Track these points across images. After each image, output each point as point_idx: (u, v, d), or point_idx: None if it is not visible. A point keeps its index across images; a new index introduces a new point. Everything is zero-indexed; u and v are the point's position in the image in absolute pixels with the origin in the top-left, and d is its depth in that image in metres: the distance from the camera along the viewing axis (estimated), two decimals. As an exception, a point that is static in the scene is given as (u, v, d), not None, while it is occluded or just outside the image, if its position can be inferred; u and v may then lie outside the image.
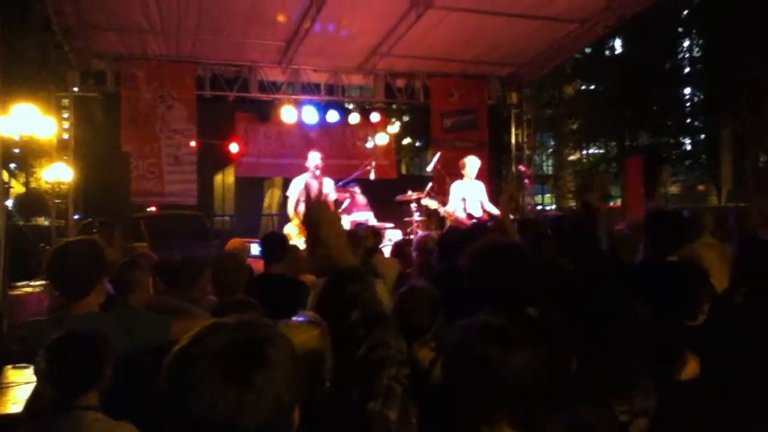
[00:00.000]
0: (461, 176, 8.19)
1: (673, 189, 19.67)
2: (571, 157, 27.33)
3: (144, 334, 2.59)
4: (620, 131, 23.41)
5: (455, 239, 4.42)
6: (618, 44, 24.17)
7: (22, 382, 3.49)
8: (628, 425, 1.78)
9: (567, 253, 3.49)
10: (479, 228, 5.21)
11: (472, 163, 8.14)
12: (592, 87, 24.51)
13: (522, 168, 10.71)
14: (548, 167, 29.51)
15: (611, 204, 19.88)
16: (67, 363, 2.25)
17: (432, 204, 8.02)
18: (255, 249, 6.60)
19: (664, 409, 1.88)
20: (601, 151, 26.44)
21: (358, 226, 7.26)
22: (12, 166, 9.80)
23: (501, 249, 2.51)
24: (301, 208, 8.10)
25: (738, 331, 2.70)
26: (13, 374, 3.66)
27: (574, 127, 24.85)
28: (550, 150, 28.72)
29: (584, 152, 27.28)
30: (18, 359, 3.59)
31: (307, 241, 5.69)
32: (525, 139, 11.96)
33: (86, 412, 2.21)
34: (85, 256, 2.62)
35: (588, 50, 21.12)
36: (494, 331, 1.69)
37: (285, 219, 8.72)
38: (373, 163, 9.22)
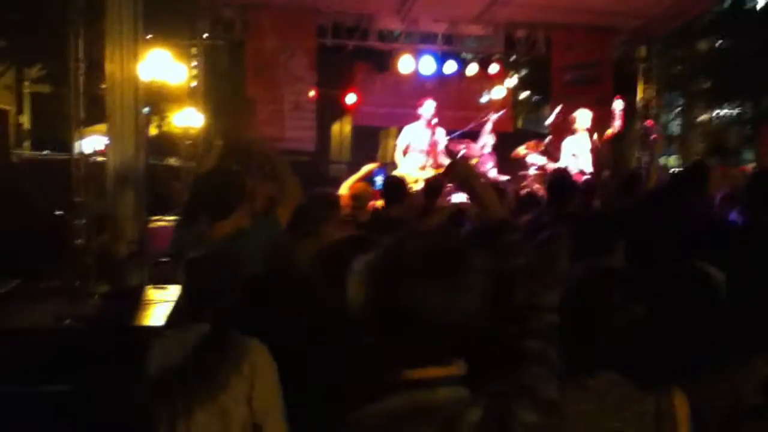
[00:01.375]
0: (573, 131, 7.98)
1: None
2: (701, 118, 25.73)
3: (263, 233, 2.88)
4: (757, 92, 21.72)
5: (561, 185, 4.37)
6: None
7: (161, 300, 3.83)
8: None
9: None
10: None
11: (583, 117, 7.91)
12: (728, 44, 22.77)
13: (648, 123, 10.19)
14: (675, 128, 27.93)
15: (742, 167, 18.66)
16: (197, 282, 2.47)
17: (539, 160, 7.90)
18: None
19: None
20: (735, 111, 24.67)
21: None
22: (146, 110, 10.43)
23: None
24: (410, 156, 8.15)
25: None
26: (153, 293, 4.03)
27: (706, 86, 23.29)
28: (678, 109, 27.13)
29: (715, 113, 25.57)
30: (158, 280, 3.96)
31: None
32: (652, 97, 11.38)
33: (215, 325, 2.42)
34: (224, 183, 2.84)
35: (726, 5, 19.66)
36: (613, 278, 1.69)
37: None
38: (494, 116, 9.07)
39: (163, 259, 5.49)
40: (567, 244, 2.68)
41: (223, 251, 2.58)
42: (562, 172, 5.61)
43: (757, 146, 16.70)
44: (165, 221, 7.42)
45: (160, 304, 3.76)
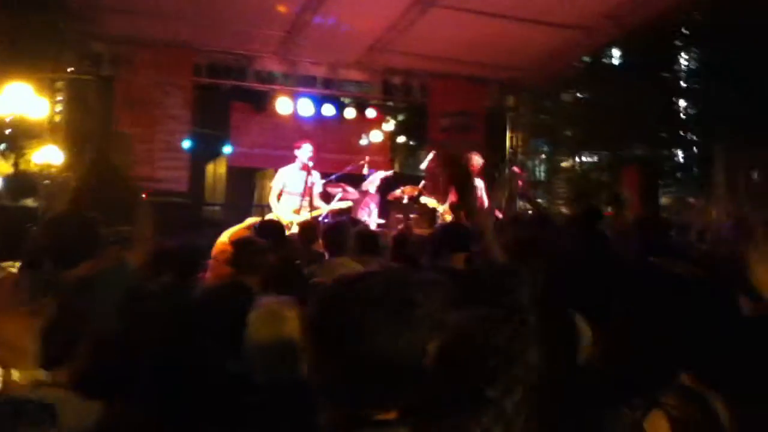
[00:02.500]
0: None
1: (664, 200, 19.68)
2: (564, 164, 27.38)
3: (114, 280, 2.61)
4: (614, 140, 23.44)
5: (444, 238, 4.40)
6: (617, 54, 24.23)
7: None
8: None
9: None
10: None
11: (476, 160, 8.18)
12: (589, 96, 24.53)
13: (516, 169, 10.69)
14: (540, 173, 29.54)
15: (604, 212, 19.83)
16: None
17: (431, 202, 8.00)
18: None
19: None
20: (594, 159, 26.50)
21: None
22: (1, 146, 9.63)
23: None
24: (285, 199, 8.02)
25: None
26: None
27: (569, 134, 24.88)
28: (543, 156, 28.76)
29: (577, 160, 27.32)
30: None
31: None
32: (519, 143, 11.96)
33: (51, 389, 2.12)
34: (77, 230, 2.60)
35: (587, 59, 21.13)
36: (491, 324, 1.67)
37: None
38: (367, 158, 9.16)
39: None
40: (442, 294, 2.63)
41: (66, 305, 2.31)
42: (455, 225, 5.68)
43: (615, 190, 17.87)
44: (15, 268, 6.80)
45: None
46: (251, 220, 5.07)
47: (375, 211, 8.86)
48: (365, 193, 8.89)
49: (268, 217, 7.63)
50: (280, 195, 8.06)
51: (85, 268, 2.62)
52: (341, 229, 4.53)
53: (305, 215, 7.74)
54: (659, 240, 3.35)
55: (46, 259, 2.64)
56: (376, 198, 8.97)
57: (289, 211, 7.88)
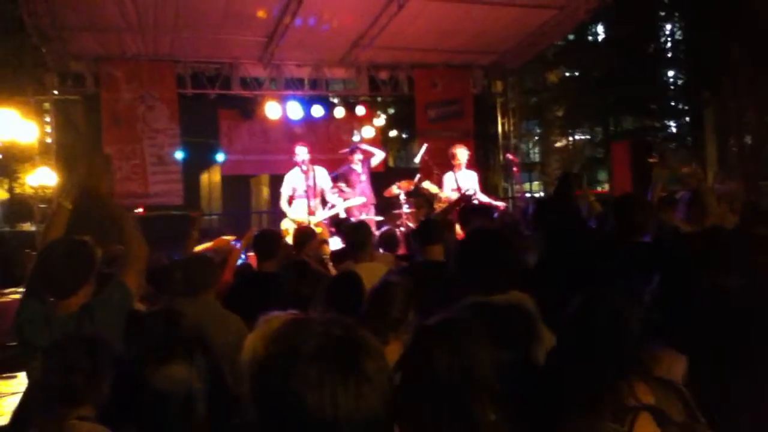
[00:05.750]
0: (452, 167, 8.14)
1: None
2: (557, 144, 27.38)
3: (111, 309, 2.61)
4: (605, 116, 23.43)
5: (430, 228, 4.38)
6: (600, 29, 24.15)
7: (9, 393, 3.38)
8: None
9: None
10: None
11: (462, 153, 8.11)
12: (576, 73, 24.47)
13: (510, 156, 10.66)
14: (535, 154, 29.53)
15: (598, 189, 19.89)
16: (63, 371, 2.14)
17: (432, 188, 7.94)
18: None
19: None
20: (587, 136, 26.48)
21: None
22: (-6, 172, 9.60)
23: (486, 234, 2.55)
24: (296, 203, 8.05)
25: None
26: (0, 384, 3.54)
27: (559, 113, 24.85)
28: (536, 138, 28.75)
29: (570, 138, 27.31)
30: (7, 368, 3.48)
31: None
32: (511, 128, 11.93)
33: (80, 423, 2.09)
34: (70, 257, 2.56)
35: (571, 36, 21.09)
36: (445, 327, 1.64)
37: (274, 216, 8.61)
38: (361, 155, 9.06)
39: (12, 343, 4.85)
40: (401, 290, 2.63)
41: (89, 334, 2.30)
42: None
43: (609, 166, 17.89)
44: (17, 294, 6.79)
45: (6, 398, 3.28)
46: (226, 238, 5.14)
47: (372, 208, 8.83)
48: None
49: (284, 222, 7.76)
50: (291, 200, 8.13)
51: (83, 294, 2.59)
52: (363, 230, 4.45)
53: (322, 214, 7.83)
54: (634, 220, 3.29)
55: (42, 291, 2.61)
56: (371, 194, 8.89)
57: (303, 213, 7.96)
